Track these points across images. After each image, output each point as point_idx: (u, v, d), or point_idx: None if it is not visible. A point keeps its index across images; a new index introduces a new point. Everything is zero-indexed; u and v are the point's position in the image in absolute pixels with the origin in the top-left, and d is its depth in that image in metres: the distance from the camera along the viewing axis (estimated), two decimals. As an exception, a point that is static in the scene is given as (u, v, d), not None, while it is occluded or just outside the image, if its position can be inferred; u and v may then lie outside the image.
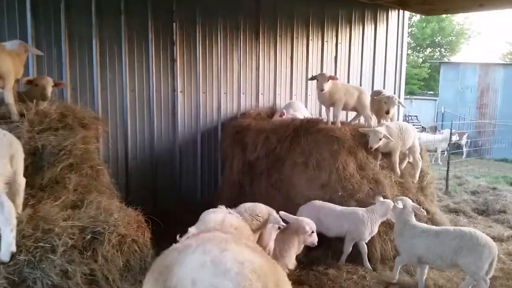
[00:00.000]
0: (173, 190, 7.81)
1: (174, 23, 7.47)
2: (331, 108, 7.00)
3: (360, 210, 5.68)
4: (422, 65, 36.13)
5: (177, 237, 3.28)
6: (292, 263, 4.58)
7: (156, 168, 7.57)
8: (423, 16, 35.77)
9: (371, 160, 6.67)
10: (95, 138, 4.94)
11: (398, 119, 9.35)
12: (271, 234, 4.24)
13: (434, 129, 20.53)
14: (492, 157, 19.08)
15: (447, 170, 12.86)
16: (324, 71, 9.41)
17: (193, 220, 7.12)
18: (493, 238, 7.55)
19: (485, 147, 19.50)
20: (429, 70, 36.14)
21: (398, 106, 8.02)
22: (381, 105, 7.04)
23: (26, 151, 4.14)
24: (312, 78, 6.83)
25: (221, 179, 8.16)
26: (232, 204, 7.46)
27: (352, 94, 7.09)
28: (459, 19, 38.61)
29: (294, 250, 4.58)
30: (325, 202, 5.92)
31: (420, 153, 7.67)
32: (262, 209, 4.25)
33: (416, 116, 25.36)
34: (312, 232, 4.61)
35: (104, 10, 6.70)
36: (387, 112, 6.95)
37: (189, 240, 3.10)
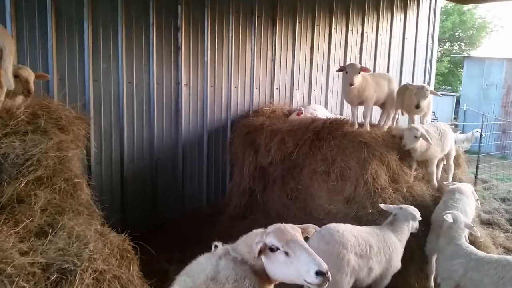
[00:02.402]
0: (176, 197, 6.92)
1: (179, 6, 6.52)
2: (359, 107, 6.03)
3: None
4: (441, 60, 34.73)
5: None
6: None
7: (156, 172, 6.66)
8: (443, 9, 34.36)
9: (405, 170, 5.70)
10: (76, 143, 4.02)
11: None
12: (273, 263, 2.57)
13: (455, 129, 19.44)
14: (517, 158, 17.95)
15: (476, 174, 11.88)
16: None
17: (197, 233, 6.36)
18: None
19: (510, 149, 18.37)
20: (449, 65, 34.77)
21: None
22: (410, 97, 6.08)
23: (-18, 161, 3.28)
24: (340, 70, 5.82)
25: (230, 185, 7.26)
26: (242, 214, 6.79)
27: (382, 87, 6.11)
28: (480, 12, 37.08)
29: (407, 236, 4.65)
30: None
31: (458, 160, 6.73)
32: (253, 237, 2.75)
33: (434, 112, 24.34)
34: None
35: (98, -12, 5.78)
36: (417, 106, 5.92)
37: None
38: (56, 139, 3.68)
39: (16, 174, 3.31)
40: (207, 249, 2.89)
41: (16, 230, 3.06)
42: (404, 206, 4.74)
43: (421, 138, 5.43)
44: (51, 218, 3.34)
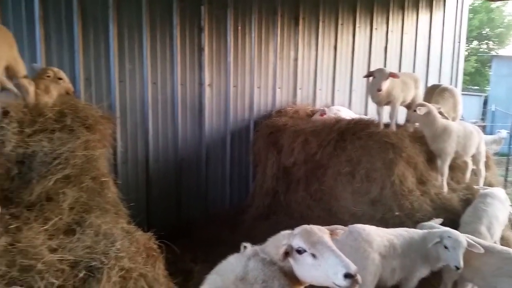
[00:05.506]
0: (199, 197, 6.93)
1: (202, 7, 6.53)
2: (384, 107, 5.92)
3: None
4: (468, 59, 33.89)
5: None
6: None
7: (181, 172, 6.69)
8: (471, 6, 33.50)
9: (432, 173, 5.55)
10: (102, 142, 4.07)
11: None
12: (301, 265, 2.53)
13: (482, 130, 18.90)
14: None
15: (505, 177, 11.52)
16: (373, 63, 8.27)
17: (220, 233, 6.35)
18: None
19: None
20: (476, 64, 33.89)
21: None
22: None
23: (13, 158, 3.36)
24: (368, 75, 5.75)
25: (253, 186, 7.21)
26: (265, 214, 6.74)
27: (409, 87, 5.99)
28: (510, 9, 36.03)
29: None
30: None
31: (488, 162, 6.51)
32: (281, 239, 2.70)
33: (461, 113, 23.76)
34: None
35: (124, -10, 5.85)
36: None
37: None
38: (83, 138, 3.73)
39: (45, 172, 3.37)
40: (231, 249, 2.87)
41: (45, 227, 3.12)
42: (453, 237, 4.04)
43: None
44: (78, 216, 3.38)
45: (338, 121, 6.19)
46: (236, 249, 2.84)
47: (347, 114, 7.20)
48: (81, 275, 2.82)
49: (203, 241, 6.14)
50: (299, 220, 5.74)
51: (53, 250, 2.94)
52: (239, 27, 6.95)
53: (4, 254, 2.76)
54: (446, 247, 3.93)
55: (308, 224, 2.73)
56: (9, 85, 3.41)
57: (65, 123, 3.75)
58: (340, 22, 7.97)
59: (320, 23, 7.77)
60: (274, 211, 6.71)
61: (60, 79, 4.38)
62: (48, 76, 4.28)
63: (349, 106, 8.24)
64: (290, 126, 6.62)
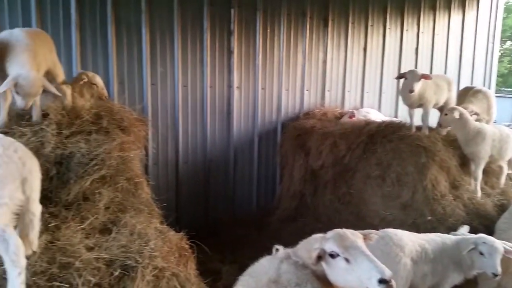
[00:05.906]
0: (227, 199, 6.99)
1: (232, 10, 6.59)
2: (416, 110, 5.82)
3: None
4: (500, 60, 32.85)
5: None
6: None
7: (209, 174, 6.77)
8: (505, 5, 32.42)
9: (465, 177, 5.41)
10: (136, 144, 4.17)
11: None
12: (334, 270, 2.50)
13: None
14: None
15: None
16: (404, 65, 8.13)
17: (247, 234, 6.39)
18: None
19: None
20: (509, 65, 32.83)
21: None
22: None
23: (52, 159, 3.47)
24: (400, 76, 5.68)
25: (280, 188, 7.22)
26: (291, 217, 6.73)
27: (442, 90, 5.86)
28: (546, 8, 34.65)
29: None
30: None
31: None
32: (313, 242, 2.68)
33: (492, 115, 22.98)
34: None
35: (156, -5, 5.97)
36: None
37: None
38: (119, 140, 3.82)
39: (82, 173, 3.47)
40: (258, 251, 2.88)
41: (82, 226, 3.21)
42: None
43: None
44: (114, 216, 3.47)
45: (368, 123, 6.13)
46: (262, 251, 2.85)
47: (376, 116, 7.11)
48: (116, 273, 2.88)
49: (230, 242, 6.18)
50: (327, 224, 5.72)
51: (89, 249, 3.02)
52: (268, 30, 6.98)
53: (45, 251, 2.86)
54: (481, 254, 3.81)
55: (336, 227, 2.72)
56: (52, 88, 3.53)
57: (101, 125, 3.87)
58: (370, 23, 7.89)
59: (350, 25, 7.71)
60: (301, 214, 6.69)
61: (93, 84, 4.51)
62: (83, 80, 4.43)
63: (379, 108, 8.14)
64: (318, 128, 6.59)
